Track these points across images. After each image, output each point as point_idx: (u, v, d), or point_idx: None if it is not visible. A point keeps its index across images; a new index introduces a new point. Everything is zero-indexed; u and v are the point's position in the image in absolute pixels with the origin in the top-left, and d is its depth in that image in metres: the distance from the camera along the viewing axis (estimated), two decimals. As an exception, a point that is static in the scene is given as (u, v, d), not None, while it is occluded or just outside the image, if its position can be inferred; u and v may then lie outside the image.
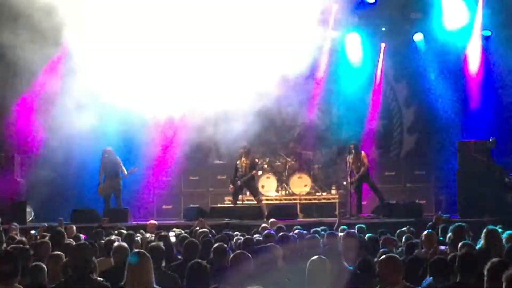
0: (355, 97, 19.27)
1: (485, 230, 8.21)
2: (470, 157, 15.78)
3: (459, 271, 6.15)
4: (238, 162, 16.58)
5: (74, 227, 12.26)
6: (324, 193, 18.14)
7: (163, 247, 7.56)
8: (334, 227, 11.68)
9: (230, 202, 16.90)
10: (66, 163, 17.34)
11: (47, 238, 9.71)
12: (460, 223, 9.39)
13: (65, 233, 10.04)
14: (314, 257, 6.31)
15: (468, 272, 6.03)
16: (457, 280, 6.18)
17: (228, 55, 16.49)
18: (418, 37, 18.48)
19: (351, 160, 16.20)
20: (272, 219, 13.61)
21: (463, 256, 6.32)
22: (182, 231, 11.27)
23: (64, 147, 17.10)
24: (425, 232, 9.10)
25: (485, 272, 5.37)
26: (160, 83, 16.69)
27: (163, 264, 7.31)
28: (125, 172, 16.66)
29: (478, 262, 5.99)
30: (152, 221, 14.05)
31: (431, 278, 6.66)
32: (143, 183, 17.98)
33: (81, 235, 11.03)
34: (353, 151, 16.18)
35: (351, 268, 7.18)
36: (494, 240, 7.96)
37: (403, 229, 10.84)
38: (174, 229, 11.96)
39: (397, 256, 6.51)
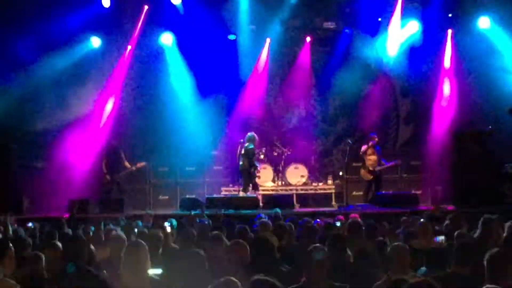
0: (352, 87, 19.32)
1: (481, 220, 8.21)
2: (467, 147, 15.80)
3: (455, 261, 6.16)
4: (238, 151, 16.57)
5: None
6: (320, 184, 18.16)
7: (158, 235, 7.57)
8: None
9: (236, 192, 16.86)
10: (61, 153, 17.33)
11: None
12: (456, 213, 9.41)
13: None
14: (311, 246, 6.31)
15: (463, 262, 6.04)
16: (452, 270, 6.19)
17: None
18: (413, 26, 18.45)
19: (370, 151, 16.28)
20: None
21: (458, 245, 6.33)
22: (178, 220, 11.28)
23: (60, 137, 17.13)
24: (421, 222, 9.10)
25: (485, 263, 5.38)
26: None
27: (158, 252, 7.33)
28: (128, 165, 16.71)
29: (473, 252, 6.00)
30: (148, 212, 14.04)
31: (425, 268, 6.66)
32: (139, 174, 17.89)
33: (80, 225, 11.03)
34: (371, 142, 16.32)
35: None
36: (490, 230, 7.97)
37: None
38: (170, 219, 11.93)
39: (405, 245, 6.53)
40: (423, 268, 6.67)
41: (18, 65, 16.93)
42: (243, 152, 16.31)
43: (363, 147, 16.64)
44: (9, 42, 16.67)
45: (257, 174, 17.05)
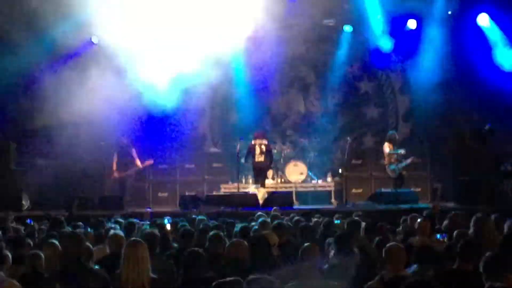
0: (351, 85, 19.35)
1: (473, 218, 8.23)
2: (466, 145, 15.80)
3: (459, 257, 6.16)
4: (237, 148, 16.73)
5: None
6: (319, 181, 18.15)
7: (157, 233, 7.57)
8: None
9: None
10: (62, 150, 17.33)
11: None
12: (456, 211, 9.41)
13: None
14: (306, 244, 6.32)
15: (467, 259, 6.04)
16: (456, 266, 6.20)
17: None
18: (412, 24, 18.42)
19: (391, 148, 16.25)
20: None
21: (462, 242, 6.32)
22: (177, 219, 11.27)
23: (60, 134, 17.13)
24: (420, 220, 9.11)
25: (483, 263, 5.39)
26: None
27: (157, 250, 7.32)
28: (139, 163, 16.68)
29: (477, 249, 6.00)
30: (148, 209, 14.06)
31: (416, 265, 6.64)
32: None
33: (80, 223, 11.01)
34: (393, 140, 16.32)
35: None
36: (483, 228, 7.96)
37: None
38: (168, 217, 11.93)
39: (400, 244, 6.53)
40: (415, 266, 6.65)
41: (18, 62, 16.94)
42: (263, 149, 16.54)
43: (388, 145, 16.50)
44: (8, 37, 16.67)
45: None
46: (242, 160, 16.65)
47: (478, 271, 5.54)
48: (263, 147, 16.54)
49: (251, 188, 16.60)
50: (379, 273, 6.17)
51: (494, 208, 12.18)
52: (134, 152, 16.68)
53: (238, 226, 9.06)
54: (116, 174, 16.62)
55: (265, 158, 16.56)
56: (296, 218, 10.39)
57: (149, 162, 16.88)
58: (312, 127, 19.49)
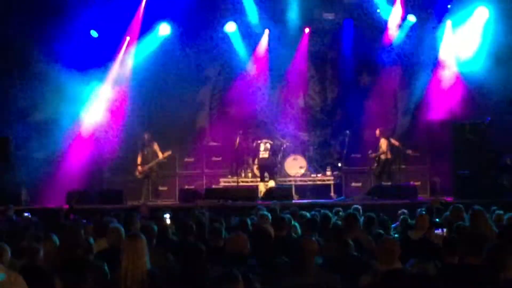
0: (350, 79, 19.33)
1: (470, 211, 8.24)
2: (465, 138, 15.80)
3: (468, 252, 6.15)
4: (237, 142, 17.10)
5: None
6: (319, 175, 18.15)
7: (153, 226, 7.57)
8: None
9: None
10: (61, 144, 17.34)
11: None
12: (457, 205, 9.41)
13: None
14: (305, 237, 6.33)
15: (475, 252, 6.04)
16: (460, 261, 6.19)
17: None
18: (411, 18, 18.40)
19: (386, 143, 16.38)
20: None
21: (469, 236, 6.31)
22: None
23: (60, 128, 17.14)
24: (418, 214, 9.12)
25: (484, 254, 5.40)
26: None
27: (154, 243, 7.32)
28: (160, 155, 16.74)
29: (484, 242, 6.00)
30: (146, 203, 14.05)
31: (414, 258, 6.65)
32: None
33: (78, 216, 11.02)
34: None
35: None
36: (479, 221, 7.97)
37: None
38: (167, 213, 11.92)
39: (394, 237, 6.54)
40: (412, 260, 6.65)
41: (18, 56, 16.95)
42: (268, 147, 17.36)
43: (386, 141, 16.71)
44: (8, 32, 16.67)
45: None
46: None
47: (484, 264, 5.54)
48: (268, 145, 17.26)
49: (260, 185, 16.76)
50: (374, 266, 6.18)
51: (493, 202, 12.18)
52: (156, 146, 16.77)
53: (237, 220, 9.06)
54: (140, 169, 16.71)
55: (269, 155, 17.18)
56: (295, 211, 10.39)
57: (168, 153, 16.94)
58: (312, 121, 19.47)
